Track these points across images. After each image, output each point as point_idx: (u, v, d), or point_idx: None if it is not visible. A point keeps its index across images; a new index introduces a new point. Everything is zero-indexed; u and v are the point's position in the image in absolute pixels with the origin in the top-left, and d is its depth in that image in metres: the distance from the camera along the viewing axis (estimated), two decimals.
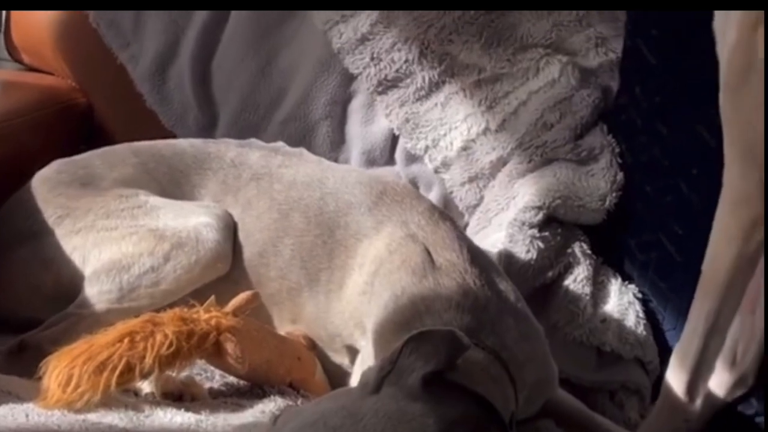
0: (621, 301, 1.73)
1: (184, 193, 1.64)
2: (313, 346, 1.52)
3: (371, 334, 1.35)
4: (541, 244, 1.72)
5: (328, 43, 1.94)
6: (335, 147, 1.98)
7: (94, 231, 1.55)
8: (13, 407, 1.27)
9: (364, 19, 1.91)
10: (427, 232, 1.44)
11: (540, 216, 1.74)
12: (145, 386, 1.38)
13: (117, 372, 1.28)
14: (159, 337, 1.31)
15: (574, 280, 1.73)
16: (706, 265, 1.42)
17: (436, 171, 1.91)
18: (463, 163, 1.89)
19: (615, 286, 1.75)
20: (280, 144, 1.81)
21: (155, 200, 1.59)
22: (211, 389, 1.44)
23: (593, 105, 1.86)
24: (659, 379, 1.62)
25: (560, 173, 1.81)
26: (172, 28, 2.01)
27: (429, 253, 1.39)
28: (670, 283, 1.71)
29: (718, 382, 1.54)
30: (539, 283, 1.73)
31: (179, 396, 1.38)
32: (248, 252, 1.57)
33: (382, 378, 1.07)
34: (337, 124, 1.98)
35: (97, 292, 1.51)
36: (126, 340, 1.31)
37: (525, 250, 1.71)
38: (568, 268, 1.75)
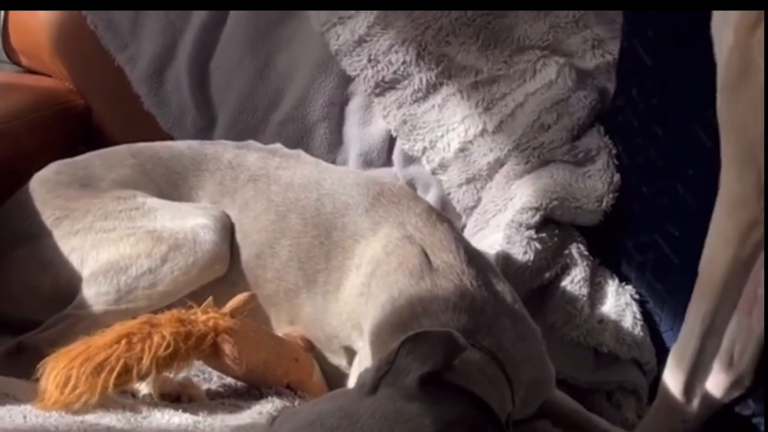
0: (618, 302, 1.73)
1: (182, 195, 1.64)
2: (310, 347, 1.52)
3: (368, 335, 1.35)
4: (538, 246, 1.72)
5: (326, 45, 1.94)
6: (333, 148, 1.98)
7: (92, 232, 1.55)
8: (11, 408, 1.26)
9: (361, 21, 1.91)
10: (425, 233, 1.43)
11: (537, 217, 1.74)
12: (143, 387, 1.37)
13: (114, 373, 1.28)
14: (156, 338, 1.31)
15: (571, 281, 1.73)
16: (703, 267, 1.42)
17: (434, 172, 1.91)
18: (461, 165, 1.89)
19: (612, 287, 1.76)
20: (278, 146, 1.81)
21: (153, 202, 1.59)
22: (208, 390, 1.44)
23: (590, 106, 1.87)
24: (656, 379, 1.62)
25: (557, 174, 1.81)
26: (170, 30, 2.01)
27: (426, 255, 1.39)
28: (667, 284, 1.72)
29: (715, 383, 1.54)
30: (536, 284, 1.73)
31: (177, 397, 1.37)
32: (245, 253, 1.57)
33: (379, 379, 1.07)
34: (335, 125, 1.98)
35: (94, 294, 1.51)
36: (123, 342, 1.30)
37: (522, 251, 1.71)
38: (565, 269, 1.75)
